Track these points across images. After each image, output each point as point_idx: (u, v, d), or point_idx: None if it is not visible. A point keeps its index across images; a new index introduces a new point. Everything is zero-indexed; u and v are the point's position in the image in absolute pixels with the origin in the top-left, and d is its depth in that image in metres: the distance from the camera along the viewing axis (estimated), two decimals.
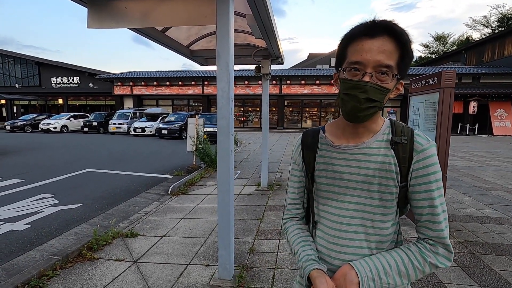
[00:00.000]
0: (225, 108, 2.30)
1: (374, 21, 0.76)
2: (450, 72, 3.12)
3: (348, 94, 0.78)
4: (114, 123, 18.77)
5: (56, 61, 27.49)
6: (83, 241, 3.21)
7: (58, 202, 4.90)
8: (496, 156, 9.92)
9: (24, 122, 20.58)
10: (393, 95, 0.83)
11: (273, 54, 4.93)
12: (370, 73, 0.75)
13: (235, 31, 4.19)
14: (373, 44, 0.75)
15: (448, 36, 37.94)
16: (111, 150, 11.38)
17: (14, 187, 5.71)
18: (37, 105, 29.67)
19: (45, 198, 5.10)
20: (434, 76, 3.34)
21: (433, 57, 35.96)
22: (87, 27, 2.46)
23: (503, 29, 27.80)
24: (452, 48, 35.15)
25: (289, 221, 1.00)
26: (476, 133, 19.12)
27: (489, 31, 31.85)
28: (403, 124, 0.88)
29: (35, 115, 22.01)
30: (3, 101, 26.59)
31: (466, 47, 27.27)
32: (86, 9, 2.50)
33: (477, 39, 29.18)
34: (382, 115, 0.90)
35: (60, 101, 27.74)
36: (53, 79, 27.22)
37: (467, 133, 19.11)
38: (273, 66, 5.73)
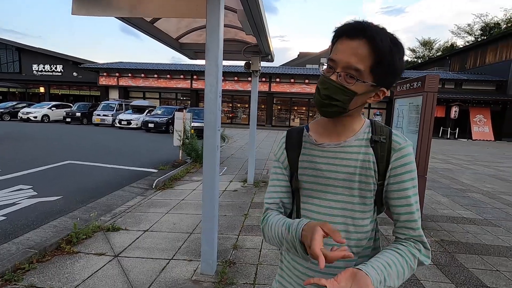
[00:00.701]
0: (212, 103, 2.28)
1: (357, 22, 0.77)
2: (433, 76, 3.21)
3: (317, 87, 0.83)
4: (99, 115, 18.25)
5: (38, 48, 26.39)
6: (62, 234, 3.12)
7: (36, 193, 4.74)
8: (474, 160, 10.33)
9: (1, 110, 19.70)
10: (372, 101, 0.84)
11: (263, 51, 4.92)
12: (338, 72, 0.77)
13: (226, 26, 4.15)
14: (348, 45, 0.76)
15: (434, 42, 39.12)
16: (94, 142, 11.08)
17: None
18: (16, 92, 28.44)
19: (22, 189, 4.92)
20: (418, 80, 3.44)
21: (419, 61, 36.96)
22: (72, 13, 2.37)
23: (485, 37, 28.86)
24: (437, 54, 36.23)
25: (269, 212, 0.92)
26: (456, 137, 19.83)
27: (473, 39, 33.04)
28: (383, 124, 0.91)
29: (14, 103, 21.12)
30: None
31: (451, 53, 28.21)
32: None
33: (461, 46, 30.23)
34: (368, 117, 0.92)
35: (42, 89, 26.71)
36: (35, 66, 26.14)
37: (448, 137, 19.79)
38: (263, 63, 5.72)
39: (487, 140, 19.54)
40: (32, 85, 26.93)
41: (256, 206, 4.43)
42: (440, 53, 35.50)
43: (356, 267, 0.70)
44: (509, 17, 30.29)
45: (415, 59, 39.84)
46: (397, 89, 4.10)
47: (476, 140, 19.49)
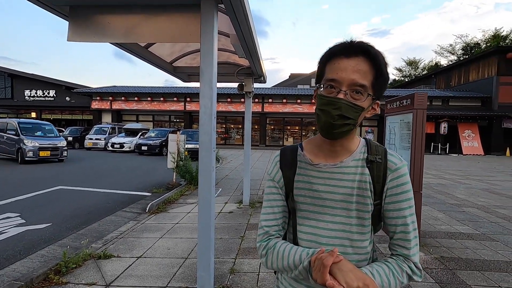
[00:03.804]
0: (207, 124, 2.29)
1: (351, 41, 0.80)
2: (422, 94, 3.31)
3: (322, 110, 0.80)
4: (91, 138, 18.11)
5: (31, 74, 26.47)
6: (51, 264, 2.98)
7: (24, 221, 4.57)
8: (466, 174, 10.45)
9: None
10: (369, 115, 0.86)
11: (255, 72, 5.03)
12: (345, 91, 0.77)
13: (219, 49, 4.27)
14: (348, 63, 0.78)
15: (419, 61, 40.70)
16: (85, 166, 10.90)
17: None
18: (7, 118, 28.13)
19: (10, 217, 4.74)
20: (407, 97, 3.54)
21: (406, 80, 38.22)
22: (67, 40, 2.41)
23: (467, 56, 30.22)
24: (423, 72, 37.58)
25: (273, 239, 0.89)
26: (447, 152, 20.16)
27: (455, 58, 34.52)
28: (377, 143, 0.92)
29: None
30: None
31: (436, 72, 29.29)
32: (67, 22, 2.47)
33: (445, 65, 31.49)
34: (360, 135, 0.93)
35: (33, 114, 26.50)
36: (27, 92, 26.09)
37: (439, 152, 20.11)
38: (256, 85, 5.83)
39: (477, 154, 19.90)
40: (23, 111, 26.73)
41: (252, 228, 4.34)
42: (425, 72, 36.87)
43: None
44: (487, 38, 31.96)
45: (402, 78, 41.23)
46: (388, 106, 4.20)
47: (467, 154, 19.83)
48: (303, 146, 0.94)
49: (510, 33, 30.42)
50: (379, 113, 0.91)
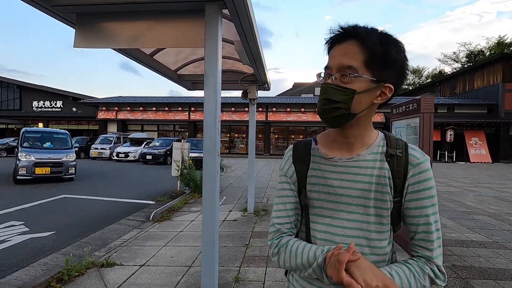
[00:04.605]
0: (211, 128, 2.27)
1: (343, 27, 0.78)
2: (428, 98, 3.27)
3: (319, 97, 0.82)
4: (96, 148, 18.25)
5: (39, 85, 27.01)
6: (53, 272, 2.94)
7: (28, 229, 4.55)
8: (475, 182, 10.25)
9: None
10: (379, 100, 0.79)
11: (260, 80, 5.05)
12: (333, 75, 0.77)
13: (223, 57, 4.29)
14: (339, 49, 0.77)
15: (422, 70, 40.73)
16: (91, 175, 10.93)
17: None
18: (15, 129, 28.58)
19: (14, 225, 4.73)
20: (413, 102, 3.50)
21: (410, 88, 38.15)
22: (74, 46, 2.44)
23: (471, 64, 30.14)
24: (427, 81, 37.54)
25: (286, 237, 0.85)
26: (454, 160, 19.87)
27: (459, 65, 34.45)
28: (397, 137, 0.86)
29: (12, 139, 21.14)
30: None
31: (440, 79, 29.23)
32: (74, 29, 2.50)
33: (449, 73, 31.41)
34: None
35: (41, 125, 26.78)
36: (35, 103, 26.57)
37: (446, 160, 19.83)
38: (260, 93, 5.85)
39: (484, 162, 19.58)
40: (30, 121, 27.15)
41: (257, 236, 4.26)
42: (429, 80, 36.81)
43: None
44: (491, 45, 31.93)
45: (406, 86, 41.20)
46: (393, 112, 4.15)
47: (474, 162, 19.52)
48: (318, 140, 0.90)
49: None
50: (387, 97, 0.82)
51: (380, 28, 0.79)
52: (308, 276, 0.79)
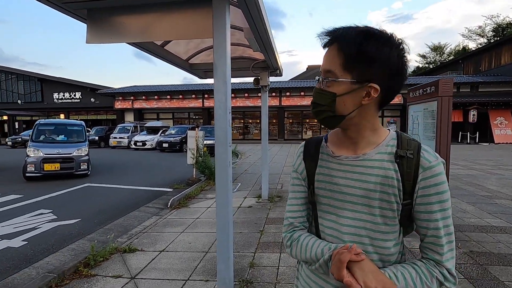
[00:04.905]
0: (222, 119, 2.29)
1: (324, 32, 0.80)
2: (447, 80, 3.13)
3: None
4: (115, 137, 18.82)
5: (59, 77, 27.84)
6: (80, 257, 3.14)
7: (56, 217, 4.85)
8: (499, 164, 9.84)
9: (25, 138, 20.66)
10: (366, 101, 0.76)
11: (271, 66, 4.97)
12: (320, 80, 0.81)
13: (234, 44, 4.24)
14: (325, 54, 0.81)
15: (444, 46, 38.49)
16: (111, 164, 11.35)
17: (12, 203, 5.67)
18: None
19: (43, 213, 5.05)
20: (431, 85, 3.36)
21: (431, 67, 36.39)
22: (86, 42, 2.49)
23: (498, 38, 28.22)
24: (449, 58, 35.58)
25: (298, 231, 0.90)
26: (477, 141, 19.07)
27: (485, 40, 32.32)
28: (411, 137, 0.83)
29: None
30: (5, 117, 26.79)
31: (463, 56, 27.62)
32: (86, 25, 2.54)
33: (474, 49, 29.57)
34: (382, 125, 0.89)
35: (62, 116, 27.92)
36: (55, 95, 27.50)
37: (468, 142, 19.06)
38: (272, 78, 5.78)
39: (510, 143, 18.66)
40: (53, 113, 28.24)
41: (271, 222, 4.34)
42: (452, 57, 34.86)
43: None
44: None
45: (426, 65, 39.30)
46: (410, 95, 4.01)
47: (499, 143, 18.65)
48: (328, 138, 0.92)
49: None
50: (375, 96, 0.79)
51: (361, 25, 0.77)
52: (316, 270, 0.82)
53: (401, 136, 0.82)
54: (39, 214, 4.99)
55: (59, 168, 8.04)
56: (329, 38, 0.78)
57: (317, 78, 0.84)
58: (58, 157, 8.10)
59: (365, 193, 0.79)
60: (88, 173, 8.64)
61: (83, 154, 8.47)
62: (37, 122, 9.10)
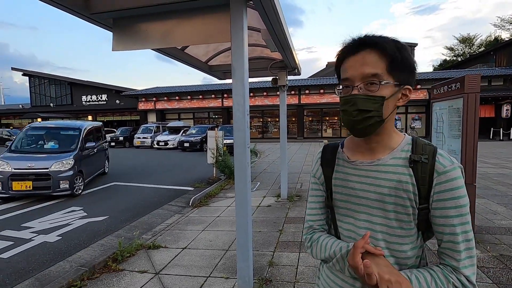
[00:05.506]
0: (240, 121, 2.34)
1: (354, 39, 0.80)
2: (474, 76, 2.99)
3: (343, 110, 0.82)
4: (139, 137, 19.51)
5: (87, 81, 29.35)
6: (109, 253, 3.33)
7: (86, 214, 5.14)
8: None
9: None
10: (401, 103, 0.82)
11: (289, 65, 4.97)
12: (358, 86, 0.78)
13: (251, 45, 4.29)
14: (355, 59, 0.79)
15: (474, 38, 36.31)
16: (136, 164, 11.81)
17: (47, 201, 6.06)
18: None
19: (75, 210, 5.37)
20: (457, 81, 3.22)
21: (459, 59, 34.53)
22: (112, 50, 2.63)
23: None
24: (480, 50, 33.55)
25: (317, 233, 0.94)
26: (511, 138, 17.91)
27: None
28: (427, 142, 0.84)
29: None
30: (39, 120, 28.56)
31: (495, 47, 25.94)
32: (111, 33, 2.69)
33: (507, 39, 27.71)
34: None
35: (90, 118, 29.35)
36: (84, 98, 28.98)
37: (501, 138, 17.95)
38: (291, 77, 5.76)
39: None
40: (81, 115, 29.77)
41: (291, 221, 4.36)
42: (482, 49, 32.85)
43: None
44: None
45: (454, 58, 37.32)
46: (434, 91, 3.86)
47: None
48: (344, 143, 0.95)
49: None
50: (410, 98, 0.85)
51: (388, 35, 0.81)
52: (332, 266, 0.86)
53: (417, 141, 0.83)
54: (71, 211, 5.31)
55: (31, 188, 5.82)
56: (362, 43, 0.78)
57: (340, 87, 0.84)
58: (30, 172, 5.87)
59: (379, 197, 0.81)
60: (78, 193, 6.36)
61: (65, 169, 6.08)
62: (26, 127, 7.35)
